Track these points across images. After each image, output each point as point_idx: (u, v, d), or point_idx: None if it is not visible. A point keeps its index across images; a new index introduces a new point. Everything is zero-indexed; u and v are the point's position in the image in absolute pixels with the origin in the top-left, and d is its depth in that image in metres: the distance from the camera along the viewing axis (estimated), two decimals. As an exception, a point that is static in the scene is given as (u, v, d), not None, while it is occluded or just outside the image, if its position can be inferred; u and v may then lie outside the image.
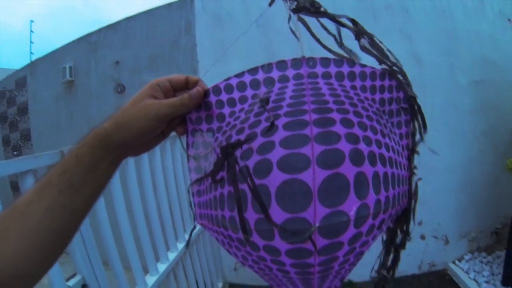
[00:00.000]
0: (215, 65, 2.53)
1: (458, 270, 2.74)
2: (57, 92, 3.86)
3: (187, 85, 0.46)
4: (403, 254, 0.57)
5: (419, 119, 0.51)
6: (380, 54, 0.47)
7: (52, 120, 3.93)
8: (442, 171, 2.61)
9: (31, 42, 6.44)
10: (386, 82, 0.48)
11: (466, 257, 2.87)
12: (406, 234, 0.54)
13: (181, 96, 0.44)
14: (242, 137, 0.41)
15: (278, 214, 0.37)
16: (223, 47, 2.39)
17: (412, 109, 0.50)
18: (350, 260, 0.44)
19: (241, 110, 0.45)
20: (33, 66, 4.29)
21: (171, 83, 0.45)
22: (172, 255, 1.81)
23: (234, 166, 0.39)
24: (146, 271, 1.57)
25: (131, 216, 1.41)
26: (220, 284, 2.62)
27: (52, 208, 0.37)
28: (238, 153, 0.40)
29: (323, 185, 0.36)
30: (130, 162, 1.48)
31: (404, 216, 0.51)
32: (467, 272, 2.70)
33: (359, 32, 0.47)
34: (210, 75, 1.95)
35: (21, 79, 4.44)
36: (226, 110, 0.46)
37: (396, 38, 2.42)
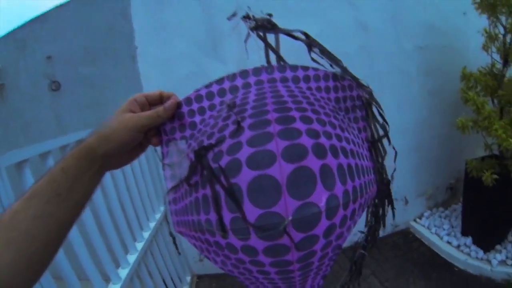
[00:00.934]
0: (157, 48, 2.42)
1: (419, 227, 2.87)
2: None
3: (161, 99, 0.51)
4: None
5: (377, 116, 0.56)
6: (331, 60, 0.54)
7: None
8: (394, 135, 2.63)
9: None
10: (339, 83, 0.53)
11: (426, 214, 3.01)
12: (383, 219, 0.60)
13: (157, 108, 0.49)
14: (212, 140, 0.44)
15: (251, 211, 0.39)
16: (164, 30, 2.25)
17: (367, 107, 0.55)
18: (329, 255, 0.45)
19: (211, 116, 0.49)
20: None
21: (147, 98, 0.50)
22: (132, 257, 1.70)
23: (207, 167, 0.42)
24: (106, 279, 1.45)
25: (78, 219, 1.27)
26: (188, 278, 2.56)
27: (39, 217, 0.39)
28: (210, 156, 0.43)
29: (290, 178, 0.38)
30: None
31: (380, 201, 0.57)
32: (428, 228, 2.83)
33: (310, 43, 0.54)
34: (151, 60, 1.84)
35: None
36: (197, 118, 0.51)
37: (342, 7, 2.41)
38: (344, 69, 0.54)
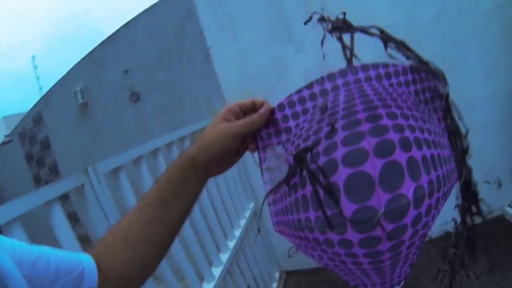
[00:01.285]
0: (228, 45, 2.47)
1: (516, 213, 2.56)
2: (73, 117, 3.84)
3: (254, 107, 0.53)
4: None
5: (452, 110, 0.57)
6: (406, 53, 0.55)
7: (77, 146, 3.90)
8: (481, 106, 2.41)
9: (37, 77, 6.50)
10: (417, 75, 0.54)
11: (525, 198, 2.67)
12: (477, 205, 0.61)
13: (251, 116, 0.52)
14: (309, 143, 0.46)
15: (347, 207, 0.41)
16: (232, 24, 2.29)
17: (443, 98, 0.56)
18: (416, 243, 0.47)
19: (305, 120, 0.52)
20: (45, 99, 4.28)
21: (240, 107, 0.53)
22: (225, 256, 1.74)
23: (307, 168, 0.44)
24: (200, 278, 1.49)
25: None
26: (276, 274, 2.55)
27: (150, 222, 0.47)
28: (308, 157, 0.45)
29: (382, 173, 0.41)
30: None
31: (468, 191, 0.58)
32: (528, 214, 2.52)
33: (386, 39, 0.56)
34: (225, 56, 1.86)
35: (37, 115, 4.45)
36: (292, 123, 0.53)
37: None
38: (420, 61, 0.55)
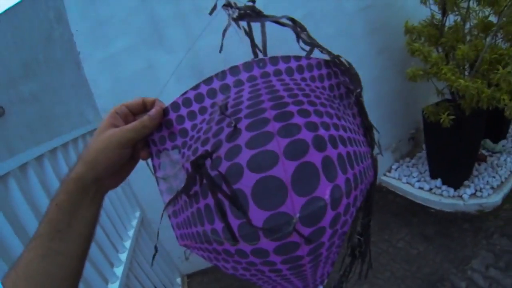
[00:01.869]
0: (99, 50, 2.32)
1: (391, 180, 2.99)
2: None
3: (144, 107, 0.47)
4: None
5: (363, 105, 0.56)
6: (319, 46, 0.52)
7: None
8: None
9: None
10: (331, 69, 0.52)
11: (394, 167, 3.13)
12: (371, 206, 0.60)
13: (141, 118, 0.45)
14: (208, 147, 0.42)
15: (258, 215, 0.38)
16: (103, 29, 2.16)
17: (355, 95, 0.54)
18: (336, 243, 0.46)
19: (203, 121, 0.46)
20: None
21: (129, 108, 0.47)
22: (119, 270, 1.66)
23: (207, 176, 0.40)
24: None
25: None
26: (178, 279, 2.52)
27: (47, 255, 0.40)
28: (207, 163, 0.41)
29: (294, 176, 0.38)
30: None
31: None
32: (399, 179, 2.95)
33: (299, 30, 0.52)
34: (97, 62, 1.75)
35: None
36: (188, 124, 0.47)
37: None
38: (332, 55, 0.52)
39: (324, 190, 0.39)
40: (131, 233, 2.00)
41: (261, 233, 0.39)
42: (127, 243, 1.89)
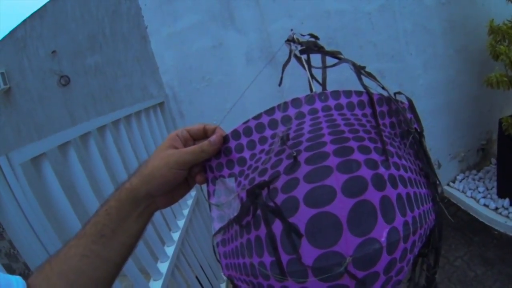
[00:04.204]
0: (167, 26, 2.30)
1: (454, 191, 2.78)
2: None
3: (205, 133, 0.48)
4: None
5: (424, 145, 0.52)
6: (380, 84, 0.50)
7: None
8: (423, 96, 2.60)
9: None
10: (393, 106, 0.50)
11: (459, 177, 2.91)
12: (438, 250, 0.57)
13: (201, 143, 0.46)
14: (265, 178, 0.42)
15: (309, 252, 0.37)
16: (171, 4, 2.13)
17: (417, 138, 0.51)
18: None
19: (262, 151, 0.46)
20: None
21: (190, 133, 0.48)
22: (170, 250, 1.62)
23: (262, 207, 0.40)
24: (145, 274, 1.37)
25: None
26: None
27: (87, 255, 0.42)
28: (263, 194, 0.40)
29: (351, 214, 0.37)
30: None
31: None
32: (463, 192, 2.74)
33: (359, 67, 0.50)
34: (164, 37, 1.71)
35: None
36: (247, 154, 0.47)
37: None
38: (390, 93, 0.51)
39: (381, 232, 0.37)
40: (185, 212, 1.97)
41: (311, 271, 0.37)
42: (181, 222, 1.86)
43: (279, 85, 0.59)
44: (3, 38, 3.19)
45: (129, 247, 0.46)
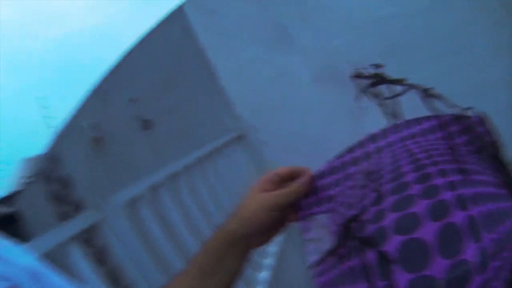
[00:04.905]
0: (231, 60, 2.43)
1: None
2: (87, 153, 3.82)
3: (292, 175, 0.52)
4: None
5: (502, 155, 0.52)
6: (448, 104, 0.52)
7: (95, 181, 3.88)
8: (494, 89, 2.27)
9: (46, 117, 6.55)
10: (465, 124, 0.51)
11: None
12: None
13: (291, 185, 0.50)
14: (354, 211, 0.44)
15: (402, 278, 0.38)
16: (230, 39, 2.27)
17: (492, 149, 0.52)
18: None
19: (347, 187, 0.50)
20: (58, 138, 4.34)
21: (279, 175, 0.52)
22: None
23: (355, 239, 0.42)
24: None
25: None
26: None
27: None
28: (354, 227, 0.43)
29: (438, 237, 0.38)
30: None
31: None
32: None
33: (428, 93, 0.53)
34: (228, 72, 1.78)
35: (52, 154, 4.51)
36: (333, 191, 0.51)
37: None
38: (460, 111, 0.52)
39: (470, 252, 0.37)
40: (273, 249, 1.94)
41: None
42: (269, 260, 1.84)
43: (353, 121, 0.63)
44: (91, 92, 3.64)
45: (229, 284, 0.50)
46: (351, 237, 0.43)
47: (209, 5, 2.49)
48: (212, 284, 0.48)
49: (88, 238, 0.97)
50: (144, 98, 3.11)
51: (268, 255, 1.83)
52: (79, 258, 0.87)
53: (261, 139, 2.37)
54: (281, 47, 2.23)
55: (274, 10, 2.23)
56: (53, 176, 4.66)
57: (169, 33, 2.83)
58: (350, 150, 0.52)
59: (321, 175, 0.52)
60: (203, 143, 1.85)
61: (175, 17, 2.72)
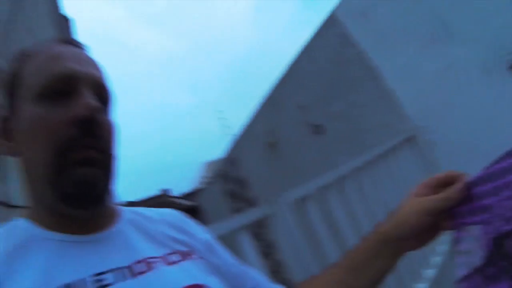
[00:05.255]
0: (392, 61, 2.32)
1: None
2: (263, 156, 4.28)
3: (450, 180, 0.50)
4: None
5: None
6: None
7: (269, 182, 4.25)
8: None
9: (225, 126, 7.53)
10: None
11: None
12: None
13: (447, 190, 0.48)
14: (510, 227, 0.40)
15: None
16: (389, 39, 2.16)
17: None
18: None
19: (506, 197, 0.44)
20: (236, 144, 5.00)
21: (437, 180, 0.51)
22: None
23: (506, 257, 0.39)
24: None
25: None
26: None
27: (340, 283, 0.51)
28: (508, 245, 0.40)
29: None
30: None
31: None
32: None
33: None
34: (392, 73, 1.71)
35: (231, 158, 5.22)
36: (491, 200, 0.46)
37: None
38: None
39: None
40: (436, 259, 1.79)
41: None
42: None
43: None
44: (263, 101, 4.08)
45: (376, 282, 0.52)
46: (503, 255, 0.40)
47: (359, 8, 2.48)
48: (361, 279, 0.51)
49: (257, 232, 1.09)
50: (312, 105, 3.26)
51: (429, 266, 1.71)
52: (247, 246, 0.98)
53: (432, 140, 2.21)
54: (441, 40, 2.02)
55: (426, 4, 2.03)
56: (231, 176, 5.36)
57: (327, 40, 2.91)
58: (511, 154, 0.45)
59: (478, 182, 0.47)
60: (372, 147, 1.83)
61: (330, 24, 2.80)
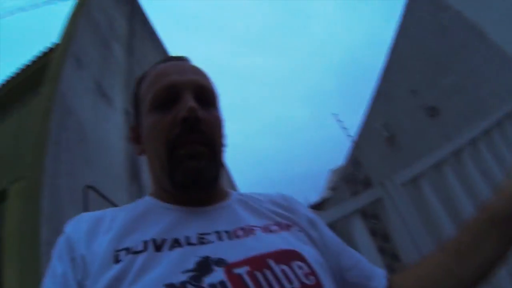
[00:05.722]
0: (498, 10, 1.99)
1: None
2: (383, 152, 4.11)
3: None
4: None
5: None
6: None
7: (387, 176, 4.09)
8: None
9: (343, 129, 7.40)
10: None
11: None
12: None
13: None
14: None
15: None
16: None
17: None
18: None
19: None
20: (357, 144, 4.87)
21: None
22: None
23: None
24: None
25: None
26: None
27: (440, 265, 0.44)
28: None
29: None
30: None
31: None
32: None
33: None
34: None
35: (354, 160, 5.12)
36: None
37: None
38: None
39: None
40: None
41: None
42: None
43: None
44: (375, 95, 3.96)
45: (484, 271, 0.43)
46: None
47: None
48: (468, 267, 0.42)
49: (372, 215, 1.07)
50: (423, 86, 3.03)
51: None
52: (359, 230, 0.97)
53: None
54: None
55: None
56: (356, 179, 5.25)
57: (419, 12, 2.68)
58: None
59: None
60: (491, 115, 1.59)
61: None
